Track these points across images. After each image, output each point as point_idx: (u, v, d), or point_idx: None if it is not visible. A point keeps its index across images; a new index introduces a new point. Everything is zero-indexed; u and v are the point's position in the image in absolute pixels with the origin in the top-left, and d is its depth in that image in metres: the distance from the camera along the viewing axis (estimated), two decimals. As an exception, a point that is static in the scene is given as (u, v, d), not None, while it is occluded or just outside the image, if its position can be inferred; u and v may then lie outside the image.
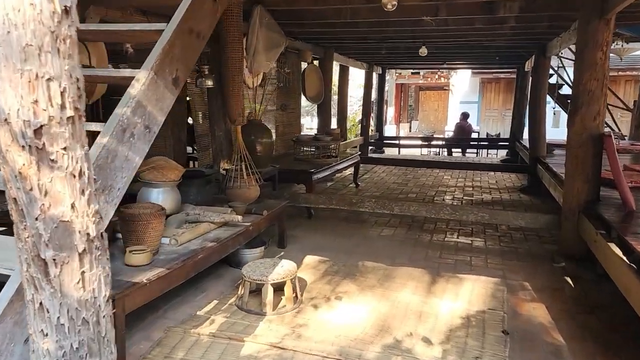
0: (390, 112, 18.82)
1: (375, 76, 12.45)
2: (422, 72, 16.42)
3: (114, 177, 1.83)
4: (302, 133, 10.50)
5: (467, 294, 3.27)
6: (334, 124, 8.97)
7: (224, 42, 3.98)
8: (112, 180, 1.82)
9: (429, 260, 4.00)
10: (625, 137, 9.20)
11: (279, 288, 2.99)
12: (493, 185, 7.72)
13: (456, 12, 4.46)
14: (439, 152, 13.15)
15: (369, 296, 3.21)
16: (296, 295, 3.07)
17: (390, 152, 13.04)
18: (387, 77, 19.91)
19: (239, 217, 3.25)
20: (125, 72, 2.09)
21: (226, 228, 3.30)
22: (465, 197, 6.65)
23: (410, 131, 20.75)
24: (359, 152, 7.30)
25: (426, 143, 13.22)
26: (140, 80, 1.93)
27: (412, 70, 16.46)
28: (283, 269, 3.01)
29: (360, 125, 11.45)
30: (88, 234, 1.24)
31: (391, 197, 6.58)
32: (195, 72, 4.42)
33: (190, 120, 5.24)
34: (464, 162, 8.90)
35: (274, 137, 4.66)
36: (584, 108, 3.62)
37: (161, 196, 3.16)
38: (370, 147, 12.23)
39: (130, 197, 3.75)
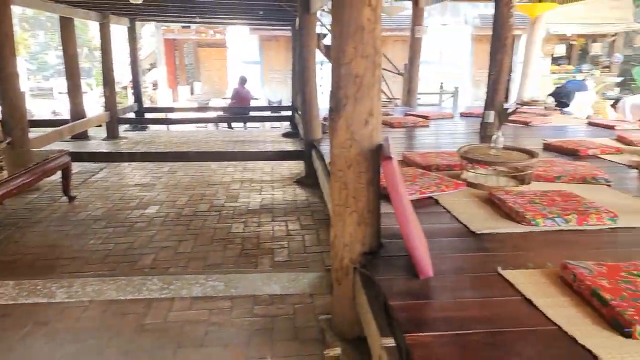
0: (163, 72, 16.02)
1: (124, 31, 9.70)
2: (193, 26, 14.01)
3: None
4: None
5: None
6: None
7: None
8: None
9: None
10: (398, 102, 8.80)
11: None
12: (267, 174, 6.25)
13: None
14: (218, 126, 11.27)
15: None
16: None
17: (157, 128, 10.62)
18: (149, 32, 16.81)
19: None
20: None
21: None
22: (228, 204, 4.94)
23: (192, 94, 18.31)
24: (66, 151, 4.83)
25: (200, 115, 11.15)
26: None
27: (181, 24, 13.91)
28: None
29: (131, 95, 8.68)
30: None
31: (118, 219, 4.44)
32: None
33: None
34: (227, 151, 7.26)
35: None
36: (350, 106, 2.12)
37: None
38: (126, 125, 9.63)
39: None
